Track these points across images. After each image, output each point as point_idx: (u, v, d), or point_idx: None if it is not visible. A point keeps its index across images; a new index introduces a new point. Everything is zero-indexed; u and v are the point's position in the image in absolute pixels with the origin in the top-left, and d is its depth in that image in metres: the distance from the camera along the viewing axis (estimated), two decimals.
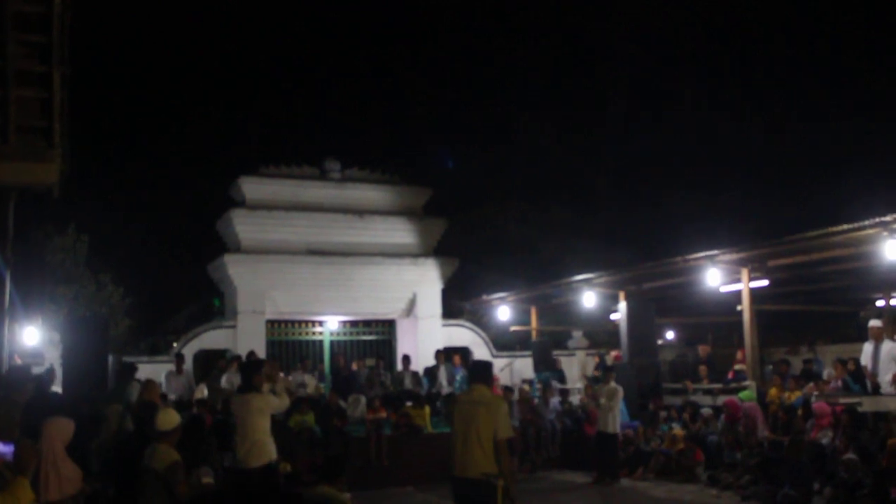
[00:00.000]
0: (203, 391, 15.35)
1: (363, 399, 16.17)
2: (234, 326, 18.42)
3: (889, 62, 35.03)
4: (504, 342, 21.51)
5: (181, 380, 16.41)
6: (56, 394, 12.73)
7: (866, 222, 12.54)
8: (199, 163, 30.38)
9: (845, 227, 12.95)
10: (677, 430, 14.81)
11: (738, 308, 16.13)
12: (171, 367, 16.70)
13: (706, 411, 15.09)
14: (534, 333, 21.57)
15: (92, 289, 21.08)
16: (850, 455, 11.18)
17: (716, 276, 15.70)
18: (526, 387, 17.92)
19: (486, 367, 7.83)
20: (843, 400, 13.22)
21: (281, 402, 9.04)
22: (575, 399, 17.79)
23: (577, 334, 21.79)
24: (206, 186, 25.64)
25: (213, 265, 19.38)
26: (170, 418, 7.21)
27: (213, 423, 12.60)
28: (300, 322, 19.67)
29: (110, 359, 14.57)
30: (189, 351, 17.92)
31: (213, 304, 22.17)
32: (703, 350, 17.70)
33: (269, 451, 8.49)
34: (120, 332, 20.10)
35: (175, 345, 18.41)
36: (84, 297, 20.59)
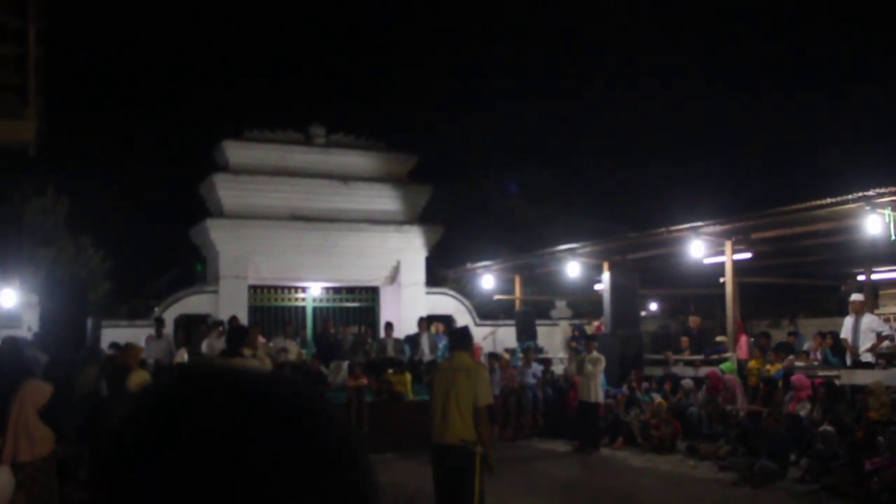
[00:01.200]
0: (183, 356, 15.31)
1: (345, 365, 16.18)
2: (216, 291, 18.38)
3: (872, 34, 34.97)
4: (487, 311, 21.54)
5: (161, 344, 16.36)
6: (35, 356, 12.67)
7: (849, 196, 12.58)
8: (182, 125, 30.14)
9: (828, 200, 13.00)
10: (659, 399, 14.89)
11: (721, 280, 16.20)
12: (151, 331, 16.64)
13: (687, 383, 15.18)
14: (517, 303, 21.59)
15: (71, 251, 20.93)
16: (827, 427, 11.28)
17: (700, 248, 15.73)
18: (507, 355, 17.95)
19: (466, 334, 7.84)
20: (821, 373, 13.36)
21: (263, 368, 9.03)
22: (558, 368, 17.84)
23: (561, 304, 21.84)
24: (190, 149, 25.43)
25: (196, 230, 19.30)
26: (139, 379, 7.19)
27: None
28: (283, 288, 19.65)
29: (89, 322, 14.50)
30: (170, 315, 17.88)
31: (195, 268, 22.06)
32: (693, 321, 17.75)
33: None
34: (100, 296, 19.98)
35: (156, 309, 18.35)
36: (63, 259, 20.45)
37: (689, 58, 37.76)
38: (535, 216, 27.98)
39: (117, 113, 33.23)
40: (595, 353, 14.86)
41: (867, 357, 13.08)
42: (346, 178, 19.72)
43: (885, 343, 13.51)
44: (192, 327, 17.62)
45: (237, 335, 9.06)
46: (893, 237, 12.41)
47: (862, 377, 12.87)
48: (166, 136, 30.82)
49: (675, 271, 19.73)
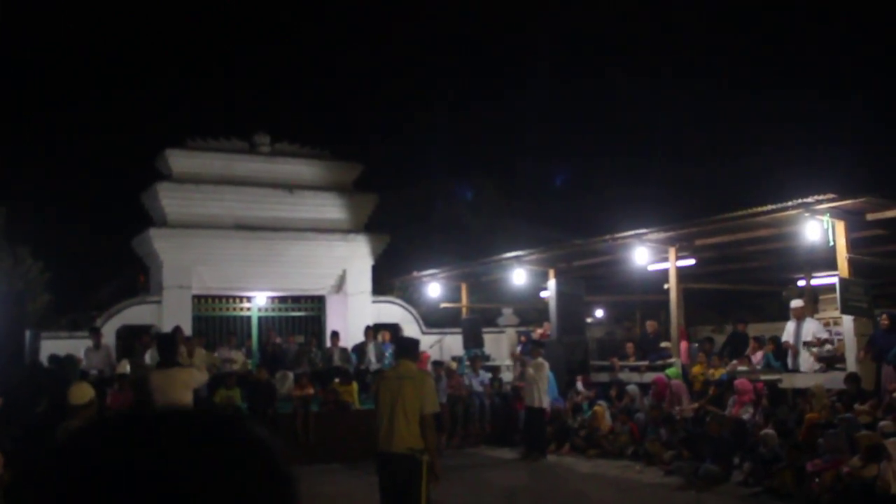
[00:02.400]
0: (125, 367, 15.03)
1: (291, 375, 16.03)
2: (159, 302, 18.09)
3: (817, 41, 35.74)
4: (434, 319, 21.47)
5: (100, 355, 16.02)
6: None
7: (789, 203, 12.79)
8: (124, 133, 29.68)
9: (769, 207, 13.20)
10: (598, 408, 14.91)
11: (666, 286, 16.36)
12: (90, 342, 16.30)
13: (632, 388, 15.30)
14: (464, 310, 21.59)
15: (9, 262, 20.45)
16: (769, 430, 11.43)
17: (644, 255, 15.88)
18: (454, 363, 17.92)
19: (412, 342, 7.86)
20: (763, 377, 13.55)
21: (201, 377, 8.89)
22: (506, 376, 17.86)
23: (508, 311, 21.88)
24: (132, 158, 25.05)
25: (138, 239, 18.99)
26: (83, 392, 6.98)
27: (136, 399, 12.36)
28: (228, 297, 19.41)
29: (27, 334, 14.19)
30: (112, 327, 17.53)
31: (137, 279, 21.68)
32: (650, 326, 17.88)
33: None
34: (38, 307, 19.55)
35: (98, 321, 17.99)
36: (0, 270, 19.97)
37: (631, 62, 38.23)
38: (480, 224, 28.04)
39: (56, 121, 32.60)
40: (539, 360, 14.89)
41: (808, 362, 13.31)
42: (291, 186, 19.54)
43: (826, 347, 13.78)
44: (132, 338, 17.28)
45: (166, 345, 8.90)
46: (831, 243, 12.64)
47: (803, 380, 13.10)
48: (107, 145, 30.30)
49: (619, 278, 19.91)
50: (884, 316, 12.75)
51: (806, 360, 13.45)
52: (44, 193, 26.01)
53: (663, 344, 16.68)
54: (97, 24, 35.95)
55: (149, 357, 15.33)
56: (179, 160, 18.84)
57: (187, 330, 16.98)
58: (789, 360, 13.79)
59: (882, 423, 10.28)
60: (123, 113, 32.37)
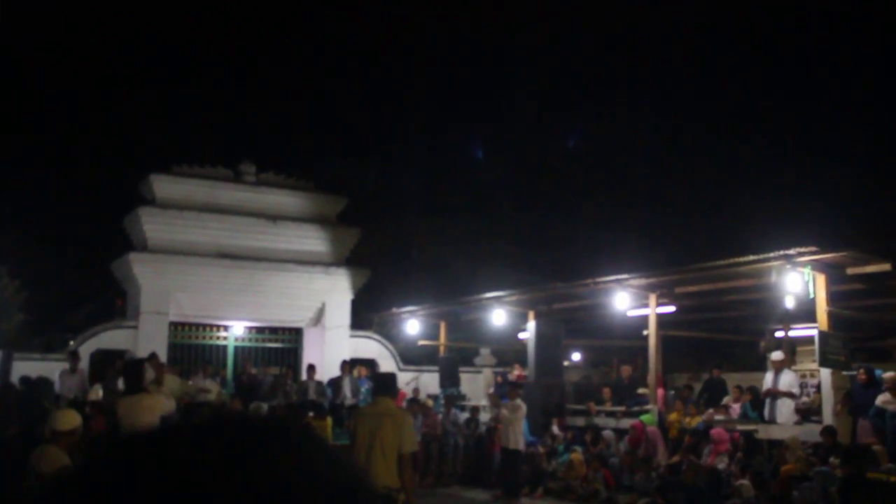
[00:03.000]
0: (98, 392, 14.81)
1: (265, 407, 15.82)
2: (135, 327, 17.91)
3: (801, 91, 36.21)
4: (412, 356, 21.38)
5: (75, 379, 15.81)
6: None
7: (770, 255, 12.86)
8: (108, 158, 29.55)
9: (750, 258, 13.28)
10: (575, 454, 14.80)
11: (645, 333, 16.36)
12: (66, 365, 16.08)
13: (608, 434, 15.23)
14: (442, 349, 21.51)
15: None
16: (744, 480, 11.39)
17: (624, 300, 15.89)
18: (430, 401, 17.81)
19: (391, 379, 7.82)
20: (740, 427, 13.53)
21: (169, 404, 8.76)
22: (484, 416, 17.74)
23: (485, 351, 21.80)
24: (115, 182, 24.93)
25: (118, 263, 18.85)
26: (70, 418, 6.82)
27: (109, 424, 12.15)
28: (205, 326, 19.26)
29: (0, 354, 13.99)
30: (86, 350, 17.32)
31: (114, 303, 21.48)
32: (625, 370, 17.84)
33: None
34: (11, 327, 19.29)
35: (71, 343, 17.78)
36: None
37: (615, 108, 38.57)
38: (461, 263, 28.04)
39: (39, 141, 32.44)
40: (517, 401, 14.81)
41: (785, 414, 13.32)
42: (274, 217, 19.54)
43: (803, 399, 13.80)
44: (105, 363, 17.05)
45: (132, 371, 8.77)
46: (811, 295, 12.71)
47: (779, 432, 13.09)
48: (91, 168, 30.16)
49: (598, 322, 19.88)
50: (861, 370, 12.80)
51: (783, 411, 13.45)
52: (24, 213, 25.81)
53: (640, 390, 16.64)
54: (84, 44, 35.95)
55: (121, 383, 15.11)
56: (164, 186, 18.79)
57: (163, 357, 16.77)
58: (766, 411, 13.80)
59: None
60: (108, 136, 32.31)
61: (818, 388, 13.80)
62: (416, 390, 18.73)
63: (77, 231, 27.41)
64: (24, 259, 21.83)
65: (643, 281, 15.52)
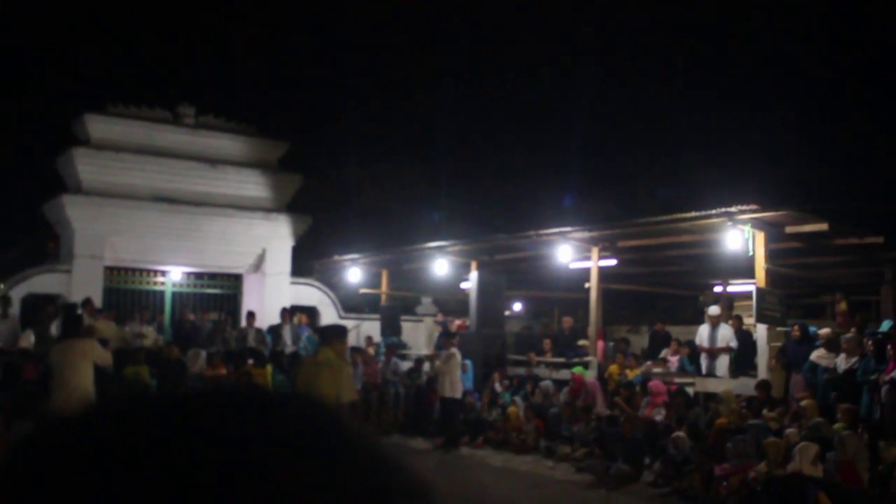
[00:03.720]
0: (30, 338, 14.51)
1: (203, 354, 15.70)
2: (68, 271, 17.52)
3: (740, 46, 36.43)
4: (353, 304, 21.34)
5: (6, 324, 15.44)
6: None
7: (712, 211, 13.03)
8: (39, 94, 28.59)
9: (692, 214, 13.44)
10: (512, 408, 14.92)
11: (586, 285, 16.53)
12: None
13: (547, 384, 15.41)
14: (383, 297, 21.50)
15: None
16: (680, 433, 11.63)
17: (567, 253, 16.02)
18: (371, 349, 17.83)
19: (336, 330, 7.80)
20: (677, 380, 13.81)
21: (106, 356, 8.62)
22: (426, 366, 17.80)
23: (427, 301, 21.87)
24: (46, 120, 24.18)
25: (50, 205, 18.35)
26: None
27: (40, 372, 11.91)
28: (141, 271, 18.93)
29: None
30: (17, 294, 16.90)
31: (46, 245, 20.98)
32: (566, 322, 18.01)
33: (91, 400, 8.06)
34: None
35: (1, 286, 17.36)
36: None
37: (555, 59, 38.38)
38: (404, 212, 27.94)
39: None
40: (452, 350, 14.89)
41: (723, 371, 13.64)
42: (214, 161, 19.16)
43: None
44: (38, 308, 16.68)
45: (69, 316, 8.63)
46: (751, 252, 12.92)
47: (714, 385, 13.39)
48: (19, 104, 29.18)
49: (541, 273, 20.05)
50: (795, 327, 13.10)
51: (722, 364, 13.75)
52: None
53: (580, 342, 16.86)
54: None
55: (54, 328, 14.83)
56: (99, 126, 18.29)
57: (98, 302, 16.52)
58: (703, 364, 14.09)
59: (788, 431, 10.54)
60: (41, 71, 31.25)
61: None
62: (369, 339, 18.67)
63: (4, 169, 26.62)
64: None
65: (586, 234, 15.66)
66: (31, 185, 20.70)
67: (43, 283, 17.38)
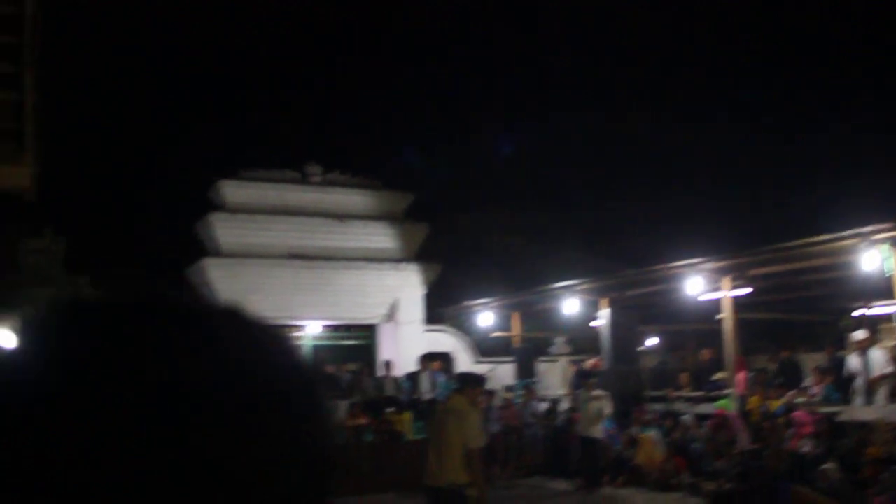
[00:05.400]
0: None
1: (344, 405, 16.06)
2: None
3: (864, 71, 35.18)
4: (485, 348, 21.41)
5: None
6: None
7: (845, 233, 12.59)
8: (177, 166, 30.19)
9: (825, 237, 13.00)
10: (652, 445, 14.65)
11: (719, 316, 16.11)
12: None
13: (687, 419, 15.07)
14: (516, 340, 21.54)
15: (69, 293, 20.86)
16: (830, 464, 11.19)
17: (697, 285, 15.67)
18: (508, 393, 17.85)
19: (473, 379, 7.85)
20: (823, 409, 13.27)
21: None
22: (562, 405, 17.71)
23: (560, 340, 21.70)
24: (186, 190, 25.48)
25: (193, 269, 19.23)
26: None
27: None
28: (281, 327, 19.42)
29: None
30: None
31: None
32: (704, 354, 17.65)
33: None
34: None
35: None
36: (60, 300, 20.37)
37: (682, 93, 37.97)
38: (531, 253, 27.97)
39: (114, 153, 33.31)
40: (596, 391, 14.80)
41: (882, 399, 13.04)
42: (342, 216, 19.77)
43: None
44: None
45: None
46: (888, 273, 12.39)
47: (864, 413, 12.81)
48: (162, 176, 30.88)
49: (672, 307, 19.61)
50: None
51: (876, 391, 13.15)
52: (102, 224, 26.56)
53: (718, 375, 16.40)
54: (149, 56, 36.79)
55: None
56: (233, 191, 19.21)
57: None
58: (855, 392, 13.51)
59: None
60: (177, 145, 32.95)
61: None
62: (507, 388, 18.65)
63: (152, 240, 28.09)
64: (105, 270, 22.47)
65: (715, 265, 15.28)
66: (176, 253, 21.74)
67: None
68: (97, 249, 24.14)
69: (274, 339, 0.70)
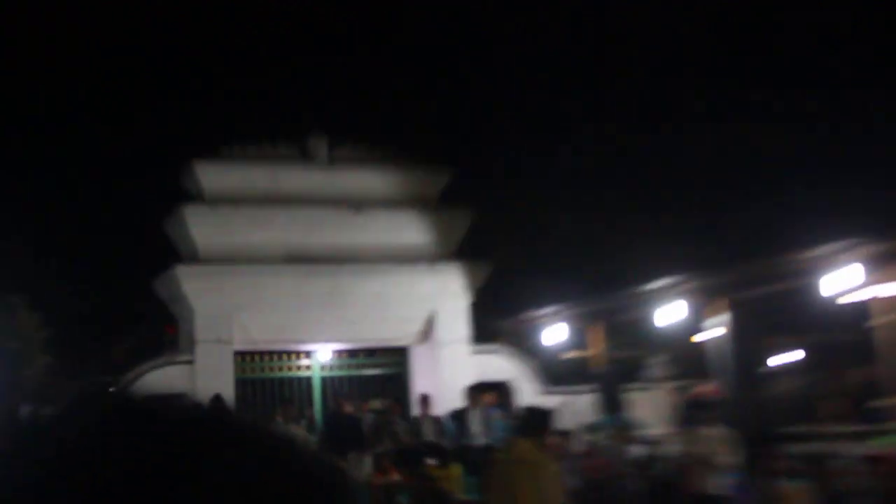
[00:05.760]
0: None
1: (368, 457, 15.89)
2: (191, 362, 18.19)
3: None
4: (556, 374, 21.06)
5: None
6: None
7: None
8: (137, 145, 29.97)
9: None
10: (788, 487, 14.18)
11: (869, 323, 15.84)
12: None
13: (839, 463, 14.59)
14: (597, 362, 21.18)
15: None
16: None
17: (850, 277, 15.22)
18: (589, 434, 17.37)
19: (540, 416, 7.88)
20: None
21: None
22: (665, 449, 17.27)
23: (658, 361, 21.30)
24: (149, 177, 25.23)
25: (162, 280, 19.23)
26: None
27: None
28: (280, 353, 19.63)
29: (23, 410, 14.14)
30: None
31: (162, 332, 21.80)
32: (858, 376, 17.43)
33: None
34: (35, 373, 19.61)
35: (112, 389, 17.93)
36: None
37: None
38: (612, 247, 27.41)
39: (56, 139, 33.12)
40: (712, 429, 14.24)
41: None
42: (357, 204, 19.55)
43: None
44: None
45: None
46: None
47: None
48: (116, 159, 30.61)
49: (803, 314, 19.28)
50: None
51: None
52: (40, 231, 26.41)
53: (879, 402, 15.97)
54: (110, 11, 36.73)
55: None
56: (212, 176, 19.25)
57: (228, 397, 16.88)
58: None
59: None
60: (143, 121, 32.71)
61: None
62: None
63: (107, 247, 27.87)
64: (46, 288, 22.24)
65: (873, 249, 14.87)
66: (139, 260, 21.52)
67: (162, 378, 18.03)
68: (34, 259, 23.88)
69: (277, 448, 0.91)
